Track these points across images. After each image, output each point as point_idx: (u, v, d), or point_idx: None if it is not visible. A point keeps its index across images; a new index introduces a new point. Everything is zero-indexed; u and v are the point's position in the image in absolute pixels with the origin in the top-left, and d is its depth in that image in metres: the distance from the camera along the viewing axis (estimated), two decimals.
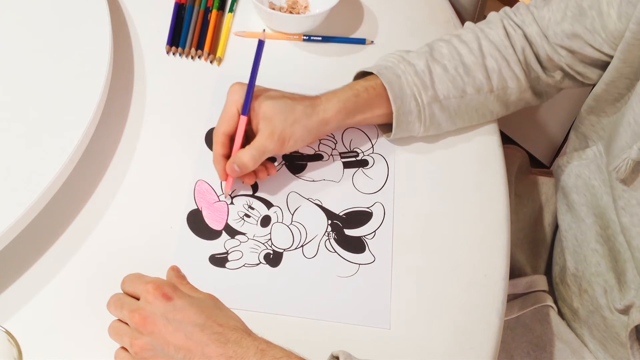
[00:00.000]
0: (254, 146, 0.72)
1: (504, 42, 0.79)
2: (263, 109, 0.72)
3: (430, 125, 0.79)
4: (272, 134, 0.72)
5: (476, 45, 0.79)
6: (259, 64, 0.73)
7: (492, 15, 0.83)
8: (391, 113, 0.77)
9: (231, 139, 0.74)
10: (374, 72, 0.77)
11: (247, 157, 0.72)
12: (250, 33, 0.90)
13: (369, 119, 0.79)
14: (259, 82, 0.73)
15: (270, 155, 0.74)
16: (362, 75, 0.80)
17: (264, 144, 0.72)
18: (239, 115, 0.73)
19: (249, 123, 0.73)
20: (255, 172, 0.75)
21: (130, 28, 0.89)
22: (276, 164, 0.79)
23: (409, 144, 0.82)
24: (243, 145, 0.73)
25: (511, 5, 0.84)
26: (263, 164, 0.75)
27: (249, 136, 0.74)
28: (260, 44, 0.74)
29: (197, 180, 0.76)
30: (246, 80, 0.73)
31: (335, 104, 0.75)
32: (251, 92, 0.72)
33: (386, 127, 0.81)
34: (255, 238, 0.73)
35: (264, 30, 0.77)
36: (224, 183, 0.76)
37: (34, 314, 0.66)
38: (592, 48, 0.75)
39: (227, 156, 0.74)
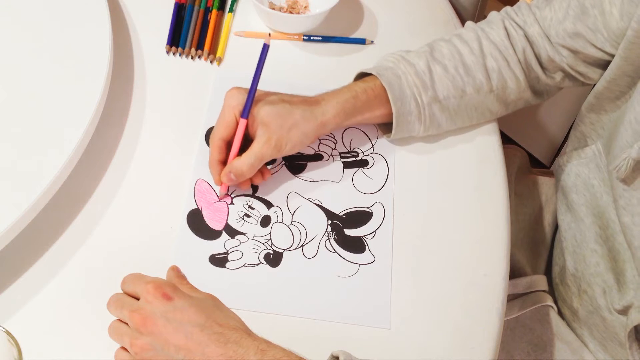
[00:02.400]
0: (251, 154, 0.72)
1: (504, 42, 0.79)
2: (261, 114, 0.72)
3: (431, 125, 0.79)
4: (269, 140, 0.72)
5: (477, 45, 0.79)
6: (262, 68, 0.73)
7: (493, 15, 0.83)
8: (391, 113, 0.77)
9: (228, 144, 0.74)
10: (373, 73, 0.77)
11: (245, 166, 0.71)
12: (250, 33, 0.90)
13: (368, 119, 0.79)
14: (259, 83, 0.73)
15: (267, 161, 0.74)
16: (362, 76, 0.80)
17: (262, 151, 0.72)
18: (237, 121, 0.73)
19: (246, 128, 0.73)
20: (250, 177, 0.75)
21: (130, 28, 0.89)
22: (276, 164, 0.79)
23: (409, 144, 0.82)
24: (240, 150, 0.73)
25: (511, 5, 0.84)
26: (259, 170, 0.74)
27: (246, 139, 0.74)
28: (265, 47, 0.73)
29: (197, 179, 0.76)
30: (246, 81, 0.73)
31: (333, 106, 0.75)
32: (252, 95, 0.72)
33: (386, 128, 0.81)
34: (255, 238, 0.73)
35: (270, 34, 0.77)
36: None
37: (34, 314, 0.66)
38: (594, 47, 0.75)
39: (223, 161, 0.74)
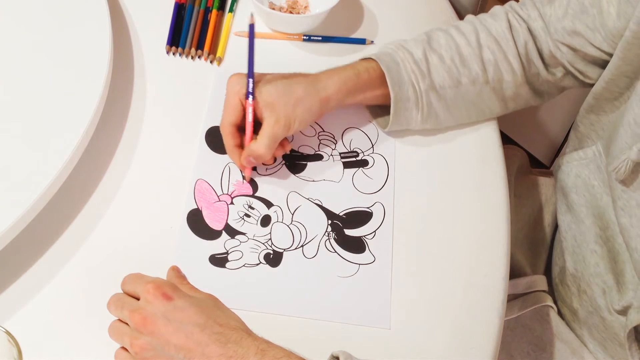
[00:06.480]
0: (265, 136, 0.72)
1: (505, 35, 0.79)
2: (263, 95, 0.73)
3: (428, 115, 0.79)
4: (278, 120, 0.72)
5: (474, 37, 0.79)
6: (254, 47, 0.75)
7: (496, 8, 0.83)
8: (390, 95, 0.77)
9: (238, 128, 0.75)
10: (373, 58, 0.78)
11: (262, 148, 0.72)
12: None
13: (369, 98, 0.79)
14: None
15: (281, 139, 0.75)
16: None
17: (273, 131, 0.72)
18: (242, 105, 0.74)
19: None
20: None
21: (130, 28, 0.89)
22: (276, 163, 0.79)
23: (410, 144, 0.82)
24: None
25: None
26: (279, 145, 0.75)
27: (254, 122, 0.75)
28: (251, 27, 0.76)
29: (197, 179, 0.76)
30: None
31: (335, 82, 0.76)
32: (251, 75, 0.73)
33: (384, 121, 0.81)
34: (255, 238, 0.73)
35: (252, 14, 0.78)
36: (226, 181, 0.76)
37: (34, 314, 0.66)
38: (592, 46, 0.75)
39: (239, 145, 0.75)
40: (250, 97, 0.73)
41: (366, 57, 0.79)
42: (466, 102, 0.80)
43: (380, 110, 0.82)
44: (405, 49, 0.78)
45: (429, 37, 0.80)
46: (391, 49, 0.79)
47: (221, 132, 0.75)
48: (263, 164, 0.77)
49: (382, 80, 0.77)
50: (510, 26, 0.80)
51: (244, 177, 0.77)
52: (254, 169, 0.77)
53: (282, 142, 0.76)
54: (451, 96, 0.79)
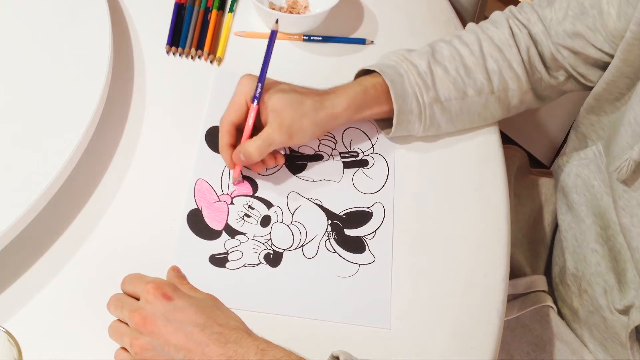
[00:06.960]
0: (261, 137, 0.72)
1: (508, 42, 0.79)
2: (273, 101, 0.73)
3: (430, 126, 0.79)
4: (280, 126, 0.72)
5: (477, 46, 0.79)
6: (271, 53, 0.74)
7: (497, 15, 0.83)
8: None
9: (237, 128, 0.74)
10: (376, 70, 0.78)
11: (252, 147, 0.72)
12: (250, 33, 0.90)
13: (376, 114, 0.79)
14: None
15: (277, 148, 0.75)
16: (364, 72, 0.80)
17: (272, 135, 0.72)
18: (247, 106, 0.73)
19: (257, 115, 0.74)
20: (263, 160, 0.75)
21: (130, 28, 0.89)
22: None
23: (409, 144, 0.82)
24: (251, 136, 0.74)
25: (511, 5, 0.84)
26: (272, 153, 0.75)
27: (257, 128, 0.74)
28: (273, 34, 0.75)
29: (197, 179, 0.76)
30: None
31: (344, 99, 0.76)
32: (262, 80, 0.73)
33: (386, 124, 0.81)
34: (255, 238, 0.73)
35: (277, 20, 0.77)
36: (227, 181, 0.76)
37: (34, 314, 0.66)
38: (594, 48, 0.75)
39: (233, 145, 0.74)
40: (256, 101, 0.73)
41: (369, 68, 0.79)
42: (471, 113, 0.80)
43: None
44: (409, 61, 0.78)
45: (432, 49, 0.80)
46: (394, 61, 0.79)
47: (219, 127, 0.75)
48: (252, 167, 0.76)
49: (388, 95, 0.77)
50: (512, 33, 0.80)
51: (243, 176, 0.77)
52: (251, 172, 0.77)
53: (276, 154, 0.76)
54: (456, 108, 0.79)
